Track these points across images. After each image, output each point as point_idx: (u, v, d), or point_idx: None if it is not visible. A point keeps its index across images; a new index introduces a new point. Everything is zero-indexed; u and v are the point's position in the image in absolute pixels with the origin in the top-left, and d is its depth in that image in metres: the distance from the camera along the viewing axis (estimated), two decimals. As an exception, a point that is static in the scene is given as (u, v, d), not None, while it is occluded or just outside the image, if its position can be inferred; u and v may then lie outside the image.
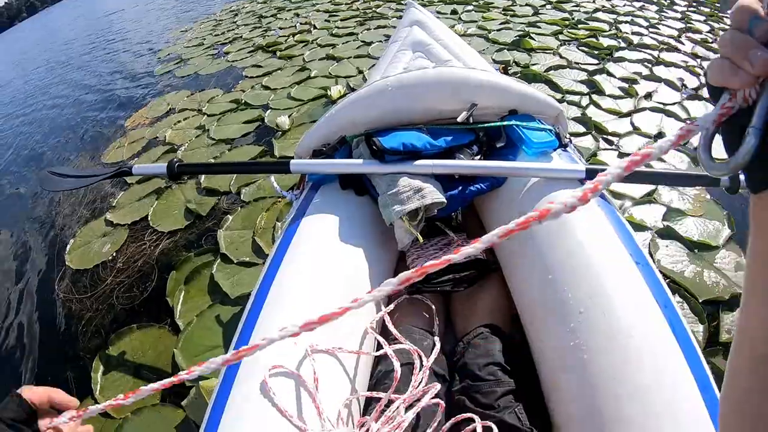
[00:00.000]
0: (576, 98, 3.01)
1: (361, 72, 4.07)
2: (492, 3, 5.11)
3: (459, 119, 1.14)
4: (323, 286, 0.97)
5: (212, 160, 3.27)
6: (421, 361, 0.89)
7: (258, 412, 0.73)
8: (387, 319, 0.99)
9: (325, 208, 1.15)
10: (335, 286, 0.98)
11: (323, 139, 1.30)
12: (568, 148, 1.20)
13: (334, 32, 5.09)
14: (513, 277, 1.02)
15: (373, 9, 5.65)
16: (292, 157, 1.31)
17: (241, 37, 6.19)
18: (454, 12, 5.32)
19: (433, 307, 1.10)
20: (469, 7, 5.06)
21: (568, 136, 1.25)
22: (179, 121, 4.10)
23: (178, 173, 1.43)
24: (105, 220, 2.85)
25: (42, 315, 2.38)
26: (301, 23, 6.05)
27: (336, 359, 0.87)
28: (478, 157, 1.15)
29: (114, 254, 2.54)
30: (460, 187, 1.08)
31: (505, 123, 1.12)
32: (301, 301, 0.93)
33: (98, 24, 14.09)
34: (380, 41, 4.42)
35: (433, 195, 1.01)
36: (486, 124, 1.12)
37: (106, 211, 2.93)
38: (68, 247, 2.72)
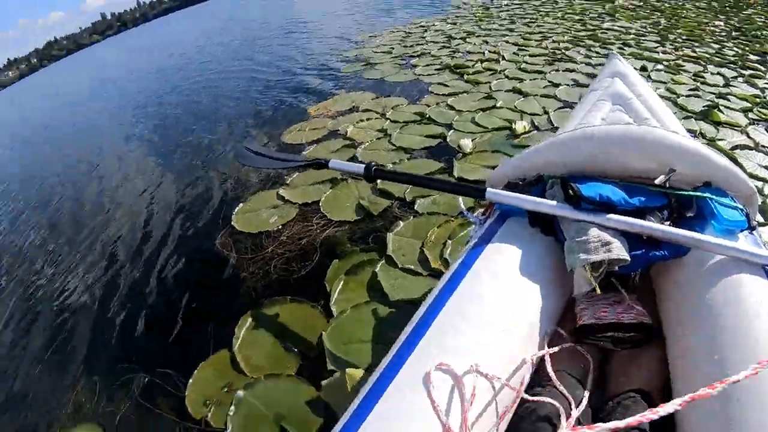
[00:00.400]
0: (759, 184, 3.45)
1: (546, 112, 4.99)
2: (683, 66, 6.06)
3: (657, 182, 1.45)
4: (495, 314, 1.38)
5: (392, 166, 4.22)
6: (570, 410, 1.15)
7: (413, 402, 1.08)
8: (548, 360, 1.36)
9: (510, 240, 1.62)
10: (506, 316, 1.39)
11: (520, 172, 1.82)
12: (754, 232, 1.43)
13: (521, 66, 6.59)
14: (675, 348, 1.29)
15: (562, 51, 7.11)
16: (483, 183, 1.87)
17: (429, 53, 8.05)
18: (643, 68, 5.94)
19: (590, 359, 1.39)
20: (660, 67, 6.05)
21: (756, 219, 1.54)
22: (362, 120, 5.34)
23: (374, 176, 2.15)
24: (277, 194, 4.11)
25: (200, 260, 3.70)
26: (489, 51, 7.60)
27: (491, 384, 1.18)
28: (668, 223, 1.42)
29: (280, 227, 3.65)
30: (644, 250, 1.39)
31: (699, 194, 1.42)
32: (475, 323, 1.34)
33: (294, 14, 18.18)
34: (568, 85, 5.64)
35: (620, 251, 1.33)
36: (680, 192, 1.44)
37: (280, 186, 4.24)
38: (237, 209, 4.04)
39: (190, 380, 2.72)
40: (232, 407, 2.46)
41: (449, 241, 3.12)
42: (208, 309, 3.19)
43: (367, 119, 5.40)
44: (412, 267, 3.00)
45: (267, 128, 6.16)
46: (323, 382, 2.38)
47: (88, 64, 38.15)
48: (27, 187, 8.01)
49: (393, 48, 8.71)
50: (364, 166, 2.10)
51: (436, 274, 2.87)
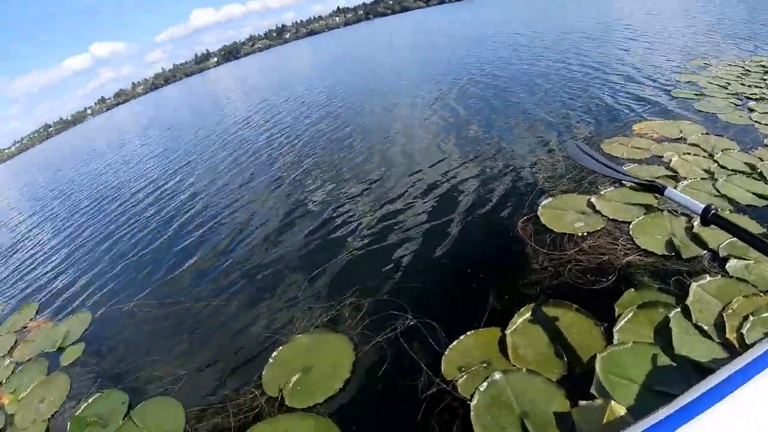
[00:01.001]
0: None
1: None
2: None
3: None
4: None
5: (741, 222, 3.80)
6: None
7: None
8: None
9: None
10: None
11: None
12: None
13: None
14: None
15: None
16: None
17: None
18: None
19: None
20: None
21: None
22: (687, 154, 5.01)
23: (711, 220, 1.97)
24: (588, 201, 4.12)
25: (498, 235, 3.99)
26: None
27: None
28: None
29: (584, 234, 3.68)
30: None
31: None
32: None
33: (615, 15, 17.61)
34: None
35: None
36: None
37: (593, 193, 4.21)
38: (544, 201, 4.17)
39: (455, 342, 2.93)
40: (485, 384, 2.61)
41: (752, 317, 2.81)
42: (491, 283, 3.38)
43: (693, 154, 5.00)
44: (706, 328, 2.78)
45: (588, 130, 6.20)
46: (581, 402, 2.38)
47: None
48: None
49: (729, 83, 7.78)
50: (704, 206, 2.00)
51: (727, 347, 2.64)
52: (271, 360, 3.32)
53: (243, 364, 3.39)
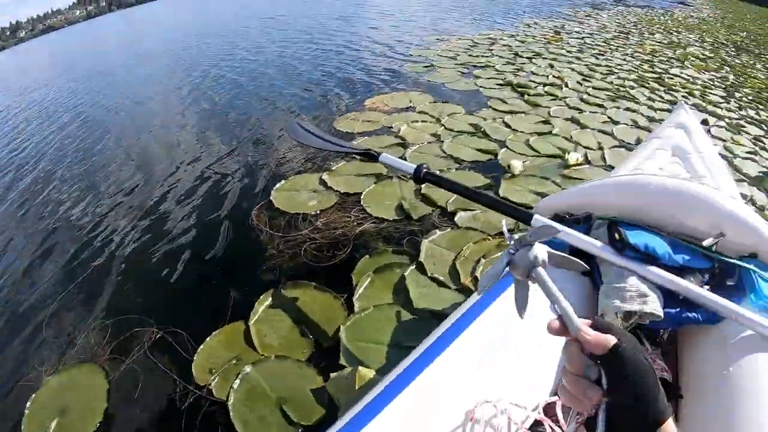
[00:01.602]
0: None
1: (601, 148, 4.89)
2: (744, 127, 5.87)
3: (705, 243, 1.45)
4: (516, 348, 1.39)
5: (440, 173, 4.13)
6: None
7: (419, 412, 1.19)
8: (559, 405, 1.29)
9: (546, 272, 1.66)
10: (527, 352, 1.39)
11: (570, 207, 1.83)
12: None
13: (583, 97, 6.51)
14: (691, 410, 1.30)
15: (626, 89, 6.99)
16: (531, 208, 1.88)
17: (493, 67, 8.03)
18: (704, 122, 5.69)
19: None
20: (721, 123, 5.90)
21: None
22: (416, 121, 5.38)
23: (424, 179, 2.14)
24: (320, 179, 4.14)
25: (233, 227, 3.77)
26: (554, 75, 7.53)
27: (498, 411, 1.24)
28: (707, 287, 1.46)
29: (317, 212, 3.68)
30: (678, 309, 1.40)
31: (744, 264, 1.41)
32: (494, 354, 1.35)
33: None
34: (627, 124, 5.55)
35: (655, 306, 1.34)
36: (725, 258, 1.44)
37: (324, 171, 4.26)
38: (278, 185, 4.12)
39: (201, 346, 2.75)
40: (237, 380, 2.49)
41: (483, 260, 3.09)
42: (231, 278, 3.21)
43: (422, 121, 5.39)
44: (442, 278, 2.97)
45: (321, 111, 6.26)
46: (332, 375, 2.37)
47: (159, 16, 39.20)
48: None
49: (458, 55, 8.72)
50: (414, 166, 2.10)
51: (464, 291, 2.86)
52: (26, 411, 2.87)
53: None
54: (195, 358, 2.71)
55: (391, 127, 5.23)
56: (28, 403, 2.87)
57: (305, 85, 7.84)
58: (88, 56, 23.47)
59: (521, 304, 0.78)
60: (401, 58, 8.82)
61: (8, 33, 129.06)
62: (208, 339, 2.78)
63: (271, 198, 3.94)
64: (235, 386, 2.47)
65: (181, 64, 12.39)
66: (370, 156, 2.38)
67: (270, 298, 2.91)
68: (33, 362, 3.15)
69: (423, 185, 3.28)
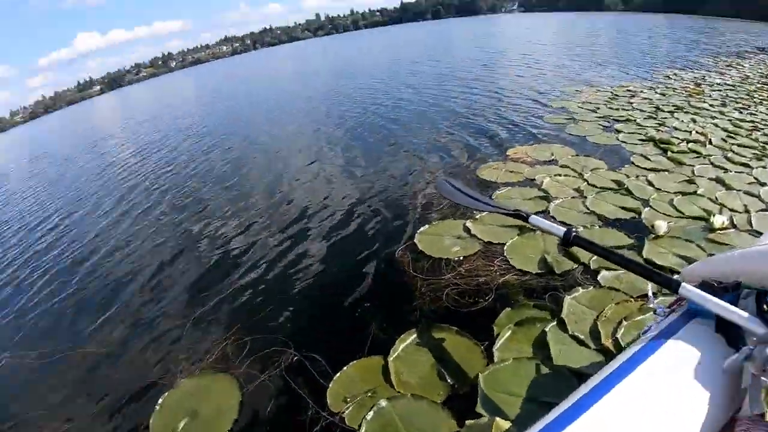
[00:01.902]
0: None
1: (747, 211, 4.49)
2: None
3: None
4: (655, 418, 1.29)
5: (582, 229, 4.15)
6: None
7: None
8: None
9: (691, 341, 1.53)
10: (665, 422, 1.29)
11: (718, 274, 1.72)
12: None
13: (728, 155, 6.06)
14: None
15: None
16: (676, 273, 1.81)
17: (634, 121, 7.76)
18: None
19: None
20: None
21: None
22: (558, 175, 5.35)
23: (573, 243, 2.12)
24: (464, 225, 4.24)
25: (378, 264, 3.98)
26: (696, 131, 7.09)
27: None
28: None
29: (460, 258, 3.76)
30: None
31: None
32: (634, 422, 1.26)
33: (498, 45, 18.96)
34: None
35: None
36: None
37: (468, 218, 4.35)
38: (422, 228, 4.26)
39: (338, 374, 2.86)
40: (371, 413, 2.55)
41: (625, 322, 2.97)
42: (372, 312, 3.36)
43: (564, 175, 5.35)
44: (582, 337, 2.90)
45: (463, 157, 6.52)
46: (467, 422, 2.37)
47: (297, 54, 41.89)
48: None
49: (598, 108, 8.63)
50: (564, 229, 2.10)
51: (604, 352, 2.78)
52: (157, 407, 3.12)
53: (129, 413, 3.16)
54: (330, 385, 2.82)
55: (534, 180, 5.25)
56: (160, 400, 3.12)
57: (448, 130, 8.16)
58: (237, 87, 25.53)
59: (755, 398, 0.76)
60: (542, 108, 8.88)
61: (160, 62, 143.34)
62: (345, 368, 2.89)
63: (415, 240, 4.10)
64: (369, 417, 2.53)
65: (323, 103, 13.22)
66: (519, 216, 2.42)
67: (411, 338, 2.99)
68: (170, 364, 3.46)
69: (569, 247, 3.25)
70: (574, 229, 2.02)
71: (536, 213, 4.01)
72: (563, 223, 4.01)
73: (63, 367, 3.86)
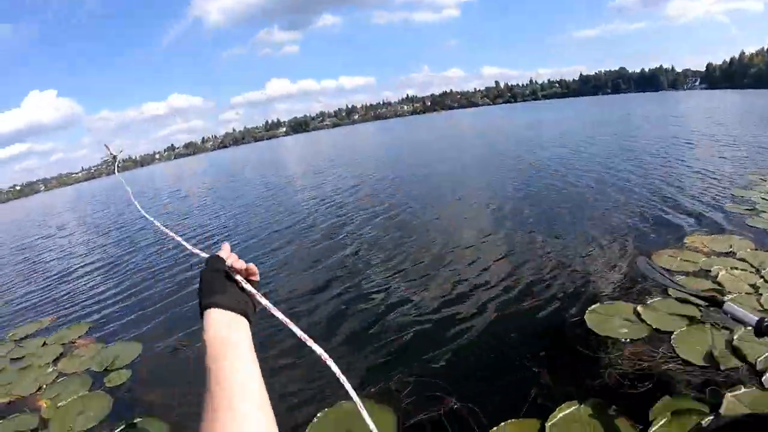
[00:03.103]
0: None
1: None
2: None
3: None
4: None
5: None
6: None
7: None
8: None
9: None
10: None
11: None
12: None
13: None
14: None
15: None
16: None
17: None
18: None
19: None
20: None
21: None
22: (735, 268, 5.19)
23: (764, 333, 2.24)
24: (634, 309, 4.44)
25: (542, 331, 4.42)
26: None
27: None
28: None
29: (626, 340, 3.99)
30: None
31: None
32: None
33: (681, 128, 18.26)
34: None
35: None
36: None
37: (638, 302, 4.53)
38: (592, 306, 4.55)
39: (495, 428, 3.22)
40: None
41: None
42: (533, 376, 3.70)
43: (741, 269, 5.20)
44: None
45: (639, 239, 6.62)
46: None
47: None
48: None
49: None
50: (757, 319, 2.27)
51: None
52: (315, 420, 3.64)
53: (288, 420, 3.66)
54: (488, 438, 3.17)
55: (709, 271, 5.18)
56: (319, 414, 3.63)
57: (624, 210, 8.25)
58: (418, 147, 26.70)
59: None
60: (722, 195, 8.54)
61: (344, 114, 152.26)
62: (502, 424, 3.25)
63: (584, 317, 4.39)
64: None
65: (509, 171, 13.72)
66: (713, 303, 2.58)
67: (571, 408, 3.28)
68: (332, 385, 3.82)
69: (735, 338, 3.31)
70: (765, 319, 2.21)
71: (707, 306, 4.10)
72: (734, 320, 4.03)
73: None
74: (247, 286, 0.98)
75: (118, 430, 3.96)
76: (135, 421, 4.04)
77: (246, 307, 0.94)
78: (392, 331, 4.89)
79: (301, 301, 6.22)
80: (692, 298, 2.84)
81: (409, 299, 5.62)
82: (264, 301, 0.98)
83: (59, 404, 4.49)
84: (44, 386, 4.93)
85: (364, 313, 5.51)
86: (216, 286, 0.93)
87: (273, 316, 0.96)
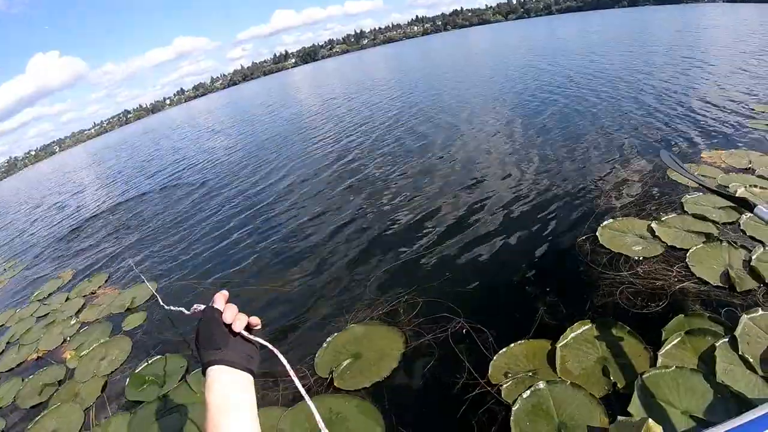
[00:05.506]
0: None
1: None
2: None
3: None
4: None
5: None
6: None
7: None
8: None
9: None
10: None
11: None
12: None
13: None
14: None
15: None
16: None
17: None
18: None
19: None
20: None
21: None
22: (754, 186, 4.90)
23: None
24: (648, 226, 4.18)
25: (555, 250, 4.17)
26: None
27: None
28: None
29: (639, 258, 3.76)
30: None
31: None
32: None
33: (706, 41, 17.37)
34: None
35: None
36: None
37: (653, 219, 4.29)
38: (604, 222, 4.32)
39: (504, 349, 3.09)
40: (528, 392, 2.76)
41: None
42: (543, 296, 3.54)
43: (761, 187, 4.94)
44: (752, 360, 2.78)
45: (655, 153, 6.25)
46: (620, 417, 2.45)
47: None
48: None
49: None
50: None
51: (772, 383, 2.63)
52: (325, 344, 3.58)
53: (299, 346, 3.66)
54: (494, 357, 3.05)
55: (727, 187, 4.88)
56: (329, 339, 3.60)
57: (640, 124, 7.85)
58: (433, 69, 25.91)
59: None
60: (743, 111, 7.94)
61: (352, 39, 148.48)
62: (512, 345, 3.11)
63: (596, 234, 4.17)
64: (525, 396, 2.74)
65: (509, 83, 13.23)
66: (744, 204, 2.32)
67: (583, 328, 3.13)
68: (343, 311, 3.93)
69: (754, 258, 3.18)
70: None
71: (724, 224, 3.88)
72: (752, 239, 3.81)
73: (246, 296, 4.64)
74: (253, 338, 0.98)
75: (140, 368, 4.01)
76: (155, 358, 4.12)
77: (250, 364, 0.94)
78: (399, 253, 4.75)
79: (313, 217, 6.41)
80: (720, 194, 2.55)
81: (417, 220, 5.47)
82: (274, 350, 0.98)
83: (82, 353, 4.62)
84: (68, 338, 5.08)
85: (371, 232, 5.39)
86: (218, 338, 0.92)
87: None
